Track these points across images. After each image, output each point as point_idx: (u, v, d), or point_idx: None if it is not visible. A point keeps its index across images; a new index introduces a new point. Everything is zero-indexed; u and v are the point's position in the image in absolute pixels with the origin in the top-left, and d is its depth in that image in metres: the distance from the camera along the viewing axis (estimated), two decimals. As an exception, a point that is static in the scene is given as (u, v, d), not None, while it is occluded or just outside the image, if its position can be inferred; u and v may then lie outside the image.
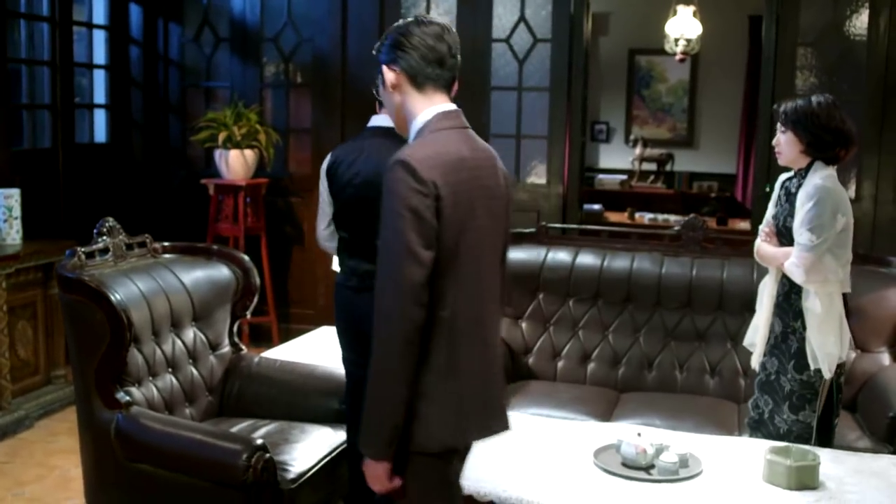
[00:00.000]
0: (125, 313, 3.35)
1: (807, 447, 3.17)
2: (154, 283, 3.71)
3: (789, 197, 3.51)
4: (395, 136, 2.67)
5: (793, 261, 3.35)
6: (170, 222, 6.83)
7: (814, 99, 3.45)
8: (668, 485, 3.03)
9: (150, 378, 3.63)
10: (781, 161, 3.53)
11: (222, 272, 4.08)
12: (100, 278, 3.45)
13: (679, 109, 10.48)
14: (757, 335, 3.62)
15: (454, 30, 2.37)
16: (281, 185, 6.84)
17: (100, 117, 6.96)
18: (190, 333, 3.89)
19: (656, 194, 10.03)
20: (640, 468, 3.11)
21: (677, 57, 8.59)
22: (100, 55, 6.88)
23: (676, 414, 4.10)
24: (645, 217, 8.62)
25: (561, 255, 4.79)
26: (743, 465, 3.19)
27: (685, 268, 4.65)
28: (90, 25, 6.81)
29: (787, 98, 3.61)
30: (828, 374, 3.37)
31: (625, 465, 3.14)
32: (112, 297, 3.35)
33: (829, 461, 3.20)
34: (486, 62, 6.49)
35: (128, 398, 3.38)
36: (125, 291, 3.50)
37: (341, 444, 3.67)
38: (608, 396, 4.45)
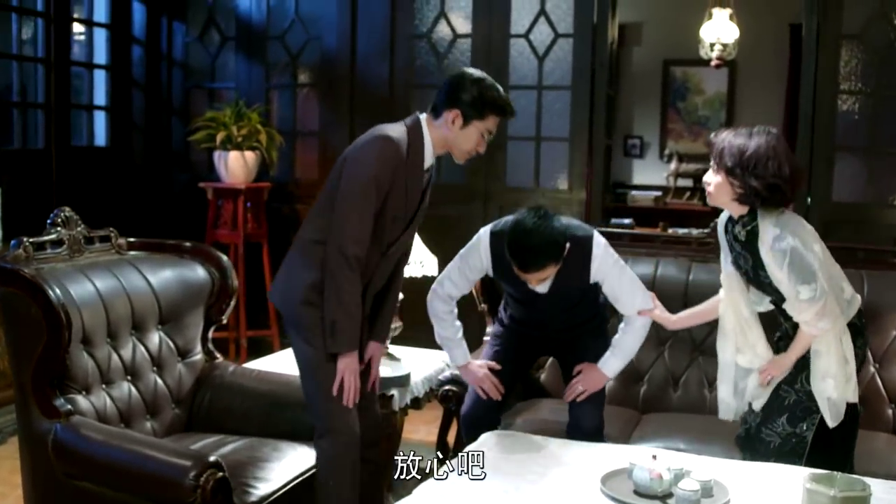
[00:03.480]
0: (63, 308, 2.95)
1: (855, 476, 2.70)
2: (114, 281, 3.37)
3: (744, 245, 3.09)
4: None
5: (808, 321, 2.98)
6: (170, 228, 6.48)
7: (753, 140, 2.97)
8: (687, 517, 2.57)
9: (103, 386, 3.25)
10: (711, 202, 3.10)
11: (196, 272, 3.71)
12: (44, 272, 3.08)
13: (716, 123, 9.95)
14: (755, 354, 3.19)
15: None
16: (286, 191, 6.53)
17: (99, 119, 6.70)
18: (155, 338, 3.51)
19: (692, 211, 9.53)
20: (654, 497, 2.69)
21: (713, 63, 8.10)
22: (100, 55, 6.64)
23: (703, 437, 3.66)
24: (678, 232, 8.15)
25: (578, 261, 4.33)
26: (777, 494, 2.75)
27: (715, 275, 4.11)
28: (90, 23, 6.55)
29: (725, 129, 3.11)
30: (830, 423, 3.04)
31: (637, 493, 2.72)
32: (49, 291, 2.95)
33: (882, 492, 2.74)
34: (503, 59, 6.10)
35: (68, 406, 2.99)
36: (75, 288, 3.15)
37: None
38: (627, 417, 3.99)
